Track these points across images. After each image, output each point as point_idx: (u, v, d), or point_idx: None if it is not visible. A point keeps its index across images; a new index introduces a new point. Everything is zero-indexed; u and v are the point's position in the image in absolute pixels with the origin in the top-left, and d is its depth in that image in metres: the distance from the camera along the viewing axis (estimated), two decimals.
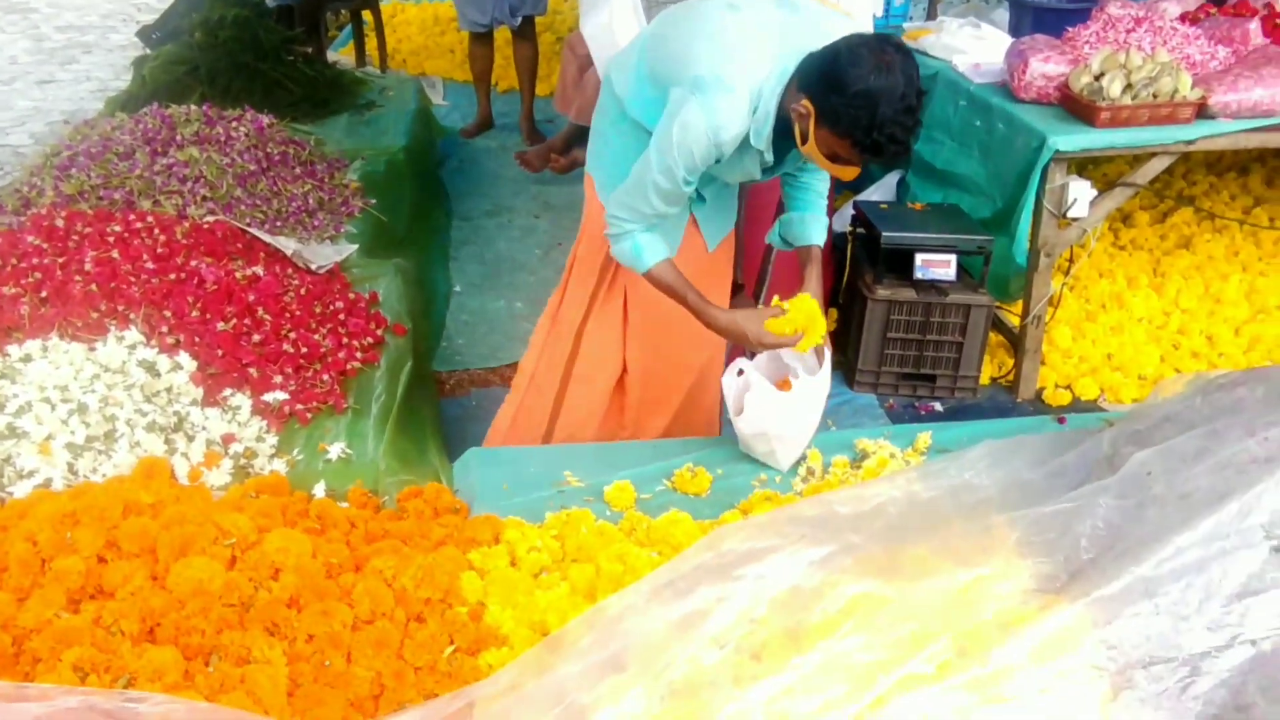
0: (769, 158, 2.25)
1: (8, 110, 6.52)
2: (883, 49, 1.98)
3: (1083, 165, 4.05)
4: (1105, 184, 3.58)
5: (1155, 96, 3.28)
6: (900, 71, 1.97)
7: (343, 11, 7.05)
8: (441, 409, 3.34)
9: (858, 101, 1.96)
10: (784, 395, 2.33)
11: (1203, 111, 3.34)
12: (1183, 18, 3.92)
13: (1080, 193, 3.32)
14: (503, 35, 5.94)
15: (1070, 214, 3.35)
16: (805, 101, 2.05)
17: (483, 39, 5.70)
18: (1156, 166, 3.40)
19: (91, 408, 2.35)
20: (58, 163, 3.54)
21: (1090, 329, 3.78)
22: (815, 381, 2.37)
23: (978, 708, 1.48)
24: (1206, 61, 3.54)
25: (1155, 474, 1.81)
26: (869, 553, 1.63)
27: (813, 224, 2.51)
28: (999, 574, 1.67)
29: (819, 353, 2.39)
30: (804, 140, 2.10)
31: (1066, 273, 3.79)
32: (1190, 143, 3.33)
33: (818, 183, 2.51)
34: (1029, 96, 3.50)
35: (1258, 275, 4.02)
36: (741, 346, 2.42)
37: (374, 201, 3.93)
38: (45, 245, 2.91)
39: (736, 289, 3.02)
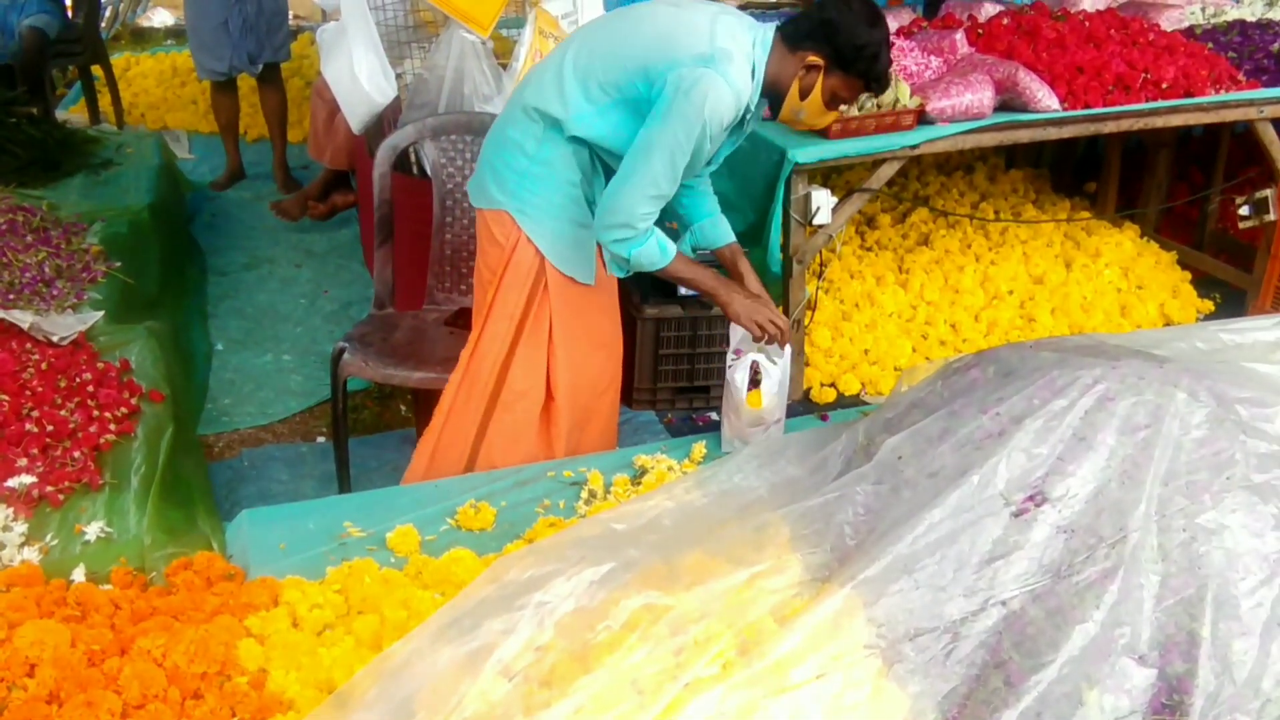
0: (753, 125, 2.55)
1: None
2: (864, 1, 2.38)
3: (826, 175, 4.29)
4: (847, 190, 3.80)
5: (879, 106, 3.52)
6: (879, 16, 2.38)
7: (69, 68, 6.67)
8: (212, 473, 3.19)
9: (869, 47, 2.35)
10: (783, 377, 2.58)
11: (923, 118, 3.60)
12: (899, 32, 4.22)
13: (822, 201, 3.51)
14: (248, 83, 5.76)
15: (816, 221, 3.54)
16: (812, 56, 2.37)
17: (225, 88, 5.51)
18: (887, 171, 3.64)
19: None
20: None
21: (847, 328, 4.00)
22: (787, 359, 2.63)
23: (763, 700, 1.54)
24: (922, 71, 3.82)
25: (905, 457, 1.94)
26: (648, 565, 1.67)
27: (722, 224, 2.78)
28: (773, 569, 1.74)
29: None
30: (804, 95, 2.43)
31: (819, 276, 4.00)
32: (914, 147, 3.58)
33: (707, 187, 2.77)
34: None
35: (989, 265, 4.35)
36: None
37: (118, 264, 3.72)
38: None
39: None
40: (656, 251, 2.46)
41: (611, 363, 2.77)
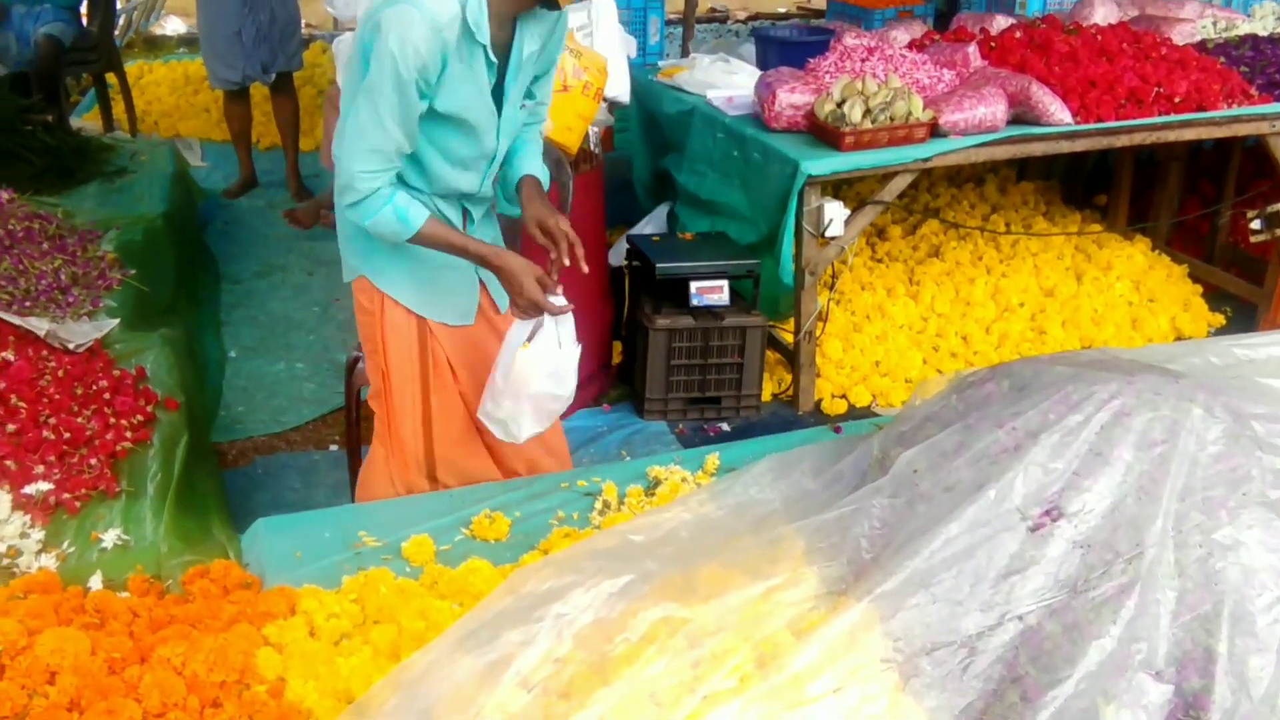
0: (492, 56, 2.19)
1: None
2: None
3: (837, 187, 4.30)
4: (859, 203, 3.82)
5: (892, 119, 3.53)
6: None
7: (84, 76, 6.71)
8: (226, 481, 3.21)
9: None
10: (570, 351, 2.32)
11: (935, 131, 3.61)
12: (911, 45, 4.23)
13: (835, 213, 3.53)
14: (260, 91, 5.79)
15: (828, 233, 3.55)
16: None
17: (238, 97, 5.54)
18: (900, 184, 3.65)
19: None
20: None
21: (858, 339, 4.01)
22: (577, 351, 2.36)
23: (780, 714, 1.54)
24: (934, 84, 3.83)
25: (921, 471, 1.94)
26: (666, 577, 1.68)
27: (522, 160, 2.44)
28: (789, 582, 1.75)
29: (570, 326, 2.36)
30: None
31: (831, 288, 4.01)
32: (927, 160, 3.59)
33: (528, 133, 2.49)
34: (780, 126, 3.69)
35: (1000, 277, 4.36)
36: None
37: (133, 272, 3.74)
38: None
39: None
40: (394, 218, 2.18)
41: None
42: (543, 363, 2.31)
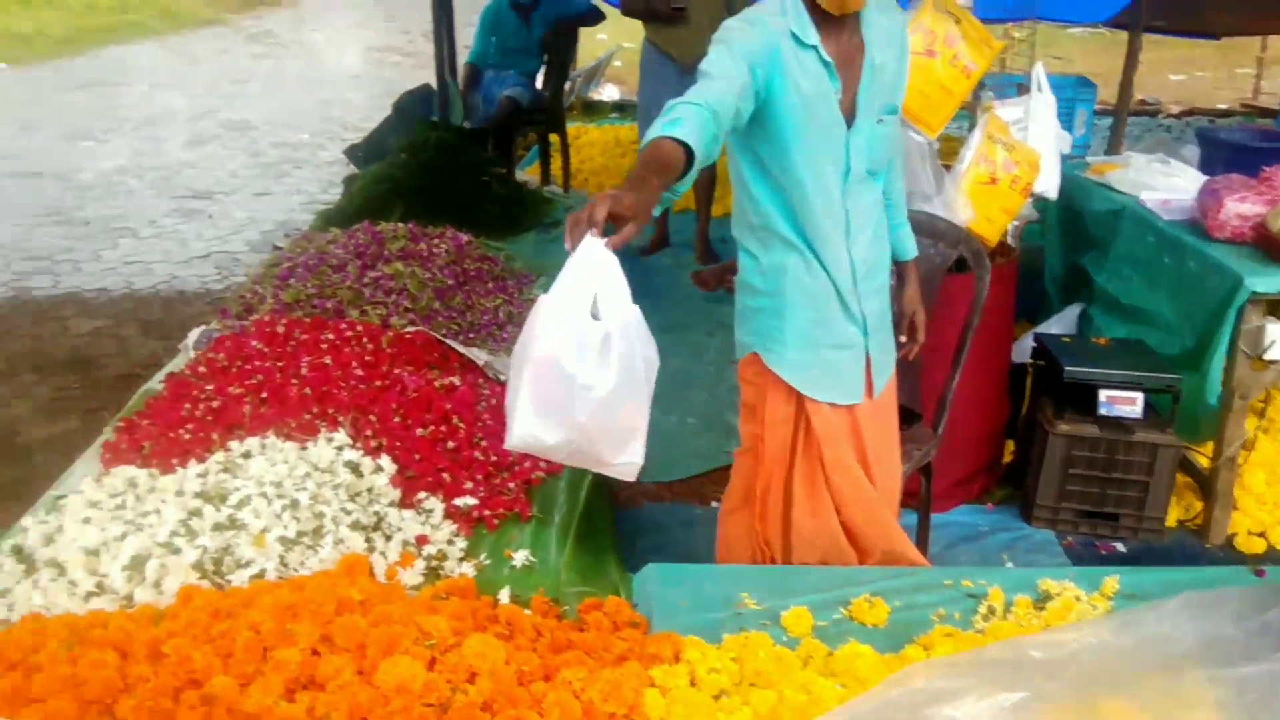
0: (826, 56, 2.25)
1: (227, 219, 7.11)
2: None
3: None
4: None
5: None
6: None
7: (530, 134, 7.47)
8: (618, 520, 3.41)
9: None
10: (620, 327, 1.81)
11: None
12: None
13: (1278, 335, 3.22)
14: None
15: (1267, 356, 3.25)
16: None
17: None
18: None
19: (302, 504, 2.51)
20: (278, 272, 3.85)
21: None
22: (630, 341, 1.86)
23: None
24: None
25: None
26: (1063, 702, 1.60)
27: (902, 240, 2.62)
28: None
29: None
30: None
31: (1261, 414, 3.64)
32: None
33: (894, 193, 2.58)
34: (1223, 236, 3.43)
35: None
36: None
37: None
38: (266, 350, 3.17)
39: (911, 417, 3.03)
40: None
41: (893, 479, 2.64)
42: (557, 316, 1.81)
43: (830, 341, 2.44)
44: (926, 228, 3.10)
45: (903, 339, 2.62)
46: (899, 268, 2.66)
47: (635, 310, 1.87)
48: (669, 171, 1.92)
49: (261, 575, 2.30)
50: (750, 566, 2.56)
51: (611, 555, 2.82)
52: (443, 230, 4.22)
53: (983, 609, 2.33)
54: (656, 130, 1.98)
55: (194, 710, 1.73)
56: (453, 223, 4.46)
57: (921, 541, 3.17)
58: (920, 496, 3.17)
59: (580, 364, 1.80)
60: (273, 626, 1.87)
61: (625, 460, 1.94)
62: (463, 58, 6.97)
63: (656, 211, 1.96)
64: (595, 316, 1.81)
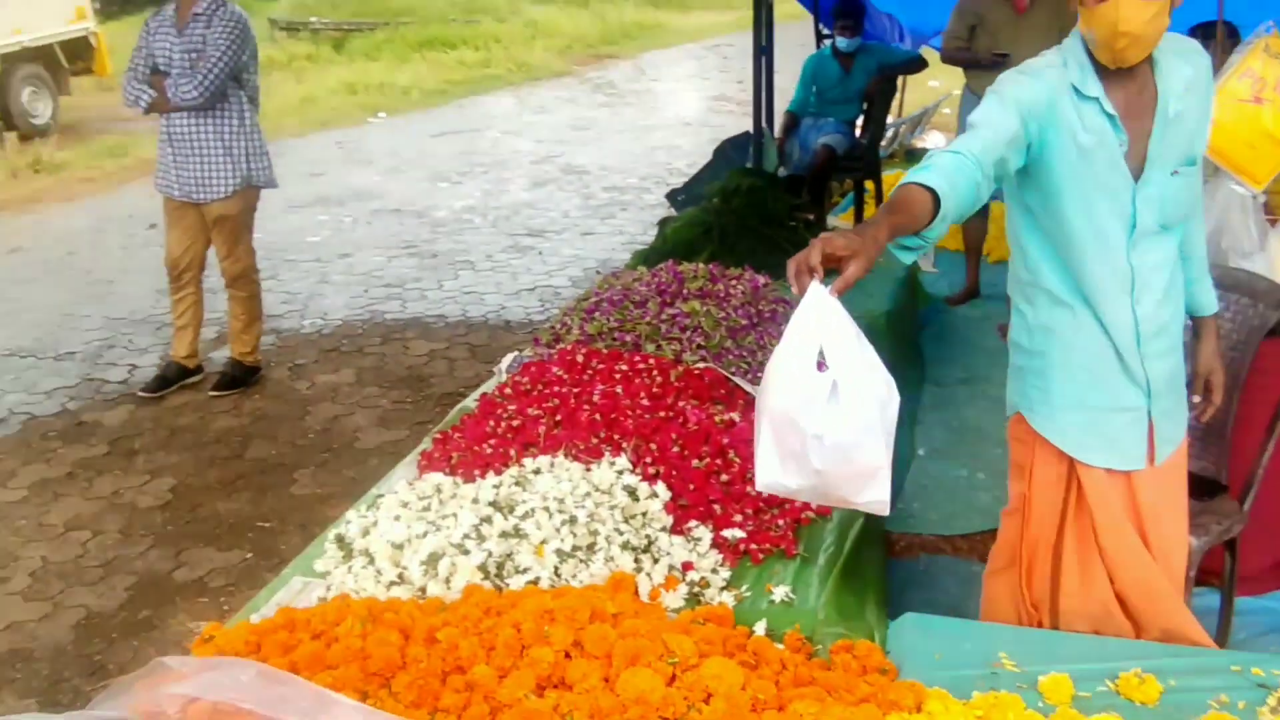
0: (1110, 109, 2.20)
1: (555, 256, 7.65)
2: None
3: None
4: None
5: None
6: None
7: (845, 181, 7.51)
8: (892, 569, 3.39)
9: None
10: (847, 381, 1.82)
11: None
12: None
13: None
14: (999, 207, 5.98)
15: None
16: None
17: (979, 211, 5.78)
18: None
19: (580, 521, 2.69)
20: (585, 306, 4.13)
21: None
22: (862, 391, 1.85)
23: None
24: None
25: None
26: None
27: (1199, 294, 2.48)
28: None
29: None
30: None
31: None
32: None
33: (1193, 246, 2.42)
34: None
35: None
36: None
37: None
38: (565, 376, 3.41)
39: (1214, 488, 2.81)
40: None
41: (1176, 553, 2.44)
42: (786, 369, 1.87)
43: (1106, 404, 2.33)
44: (1245, 286, 2.87)
45: (1196, 399, 2.45)
46: (1196, 323, 2.51)
47: (863, 354, 1.90)
48: (908, 215, 1.95)
49: (536, 582, 2.49)
50: (1012, 626, 2.48)
51: (873, 601, 2.81)
52: (741, 272, 4.35)
53: (1271, 700, 2.13)
54: (908, 175, 2.01)
55: (456, 693, 1.92)
56: (755, 265, 4.57)
57: (1222, 626, 2.92)
58: (1223, 576, 2.92)
59: (809, 415, 1.86)
60: (532, 627, 2.04)
61: (870, 499, 1.96)
62: (783, 106, 7.13)
63: (909, 258, 1.99)
64: (823, 365, 1.85)
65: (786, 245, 5.24)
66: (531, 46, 19.91)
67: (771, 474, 1.99)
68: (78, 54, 13.85)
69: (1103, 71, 2.20)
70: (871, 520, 3.27)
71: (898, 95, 8.00)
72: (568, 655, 2.01)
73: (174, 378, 5.59)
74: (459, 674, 1.97)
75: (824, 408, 1.85)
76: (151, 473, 4.65)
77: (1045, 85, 2.19)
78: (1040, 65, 2.25)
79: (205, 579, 3.86)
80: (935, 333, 5.52)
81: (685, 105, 14.58)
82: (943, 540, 3.67)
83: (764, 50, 6.40)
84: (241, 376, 5.60)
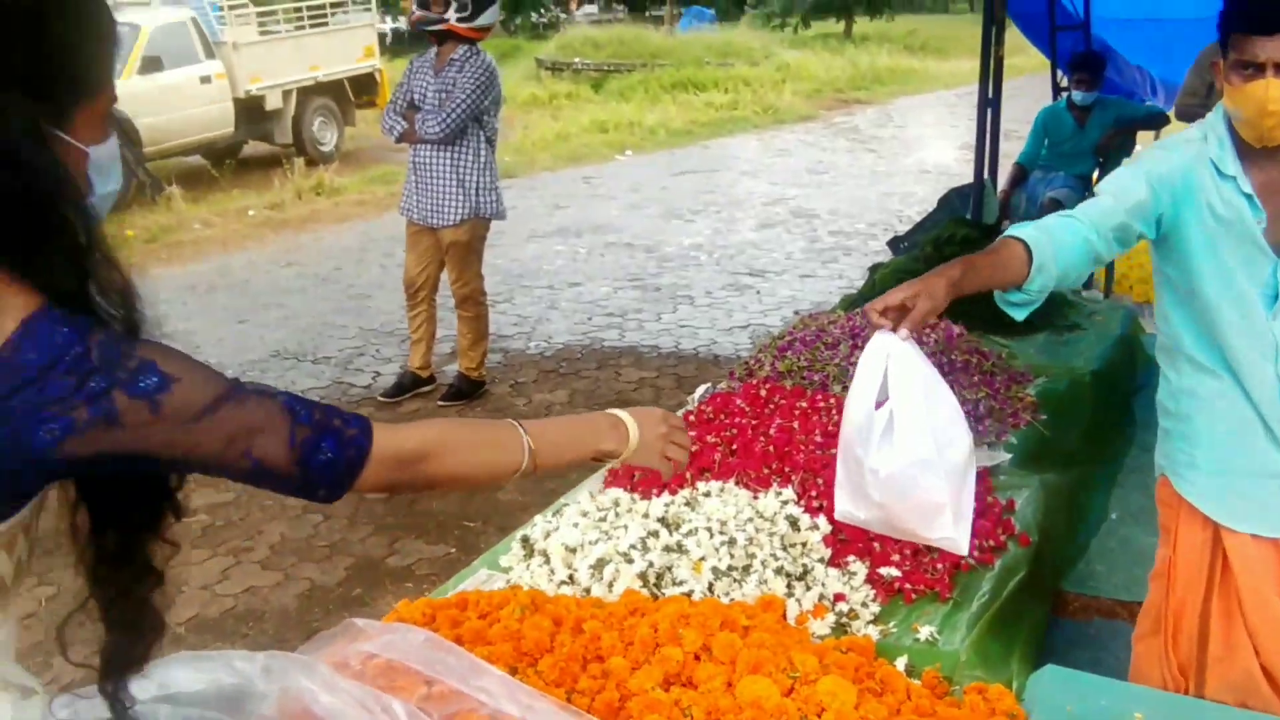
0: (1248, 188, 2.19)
1: (772, 297, 7.83)
2: None
3: None
4: None
5: None
6: None
7: None
8: (1060, 628, 3.36)
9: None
10: (910, 434, 2.00)
11: None
12: None
13: None
14: None
15: None
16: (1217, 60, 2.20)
17: None
18: None
19: (739, 543, 2.86)
20: (780, 344, 4.29)
21: None
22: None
23: None
24: None
25: None
26: None
27: None
28: None
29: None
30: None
31: None
32: None
33: None
34: None
35: None
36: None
37: (1044, 418, 4.08)
38: (747, 409, 3.59)
39: None
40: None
41: None
42: (850, 402, 2.06)
43: (1251, 469, 2.30)
44: None
45: None
46: None
47: (929, 395, 2.05)
48: (990, 263, 2.09)
49: (689, 595, 2.68)
50: (1151, 690, 2.46)
51: (1022, 652, 2.81)
52: (937, 321, 4.39)
53: None
54: (1010, 229, 2.10)
55: (593, 679, 2.13)
56: (957, 316, 4.59)
57: None
58: None
59: (865, 448, 2.04)
60: (667, 628, 2.23)
61: (940, 535, 2.08)
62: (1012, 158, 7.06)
63: (1017, 314, 2.08)
64: (881, 403, 2.03)
65: (993, 299, 5.21)
66: (781, 90, 20.23)
67: (844, 504, 2.22)
68: (364, 88, 15.25)
69: (1243, 149, 2.20)
70: (1040, 576, 3.26)
71: (1135, 150, 7.73)
72: (697, 657, 2.19)
73: (409, 386, 6.14)
74: (598, 662, 2.18)
75: (878, 442, 2.03)
76: None
77: (1181, 160, 2.21)
78: (1180, 140, 2.27)
79: (413, 567, 4.27)
80: (1150, 395, 5.30)
81: (928, 152, 14.46)
82: (1120, 605, 3.58)
83: (990, 102, 6.38)
84: (468, 390, 6.09)
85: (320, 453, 1.31)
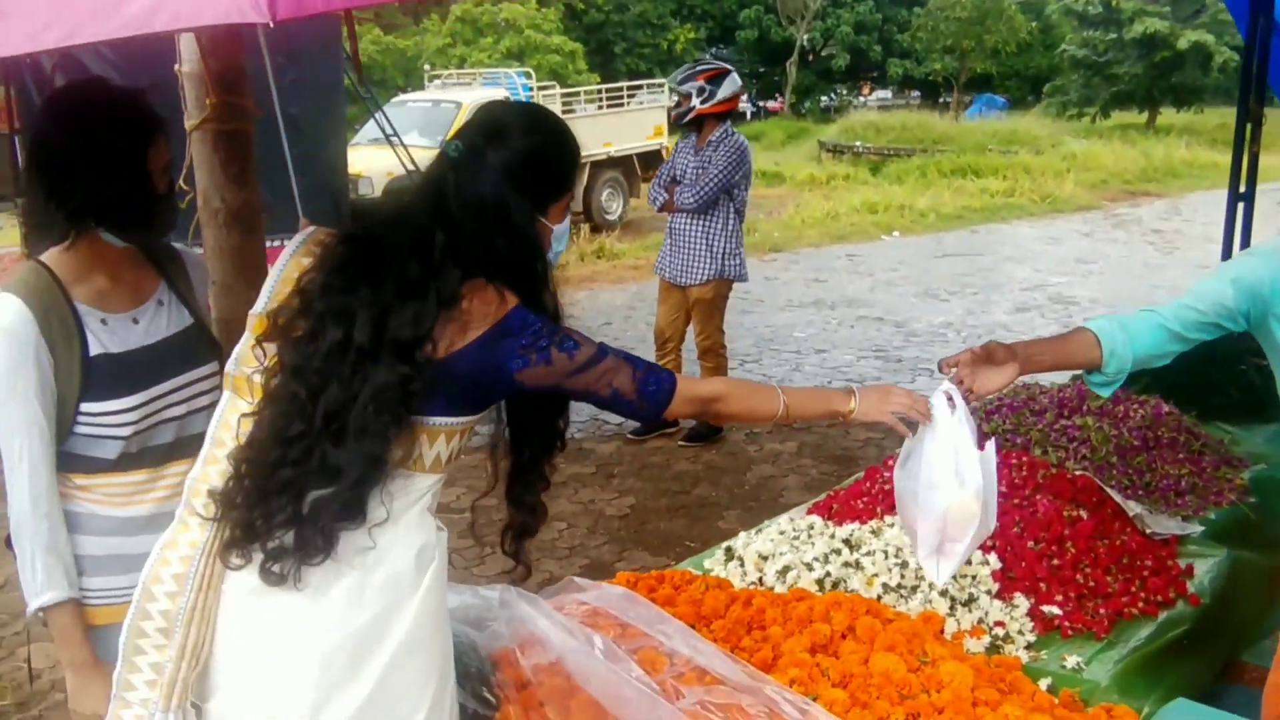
0: None
1: None
2: None
3: None
4: None
5: None
6: None
7: None
8: (1233, 693, 3.46)
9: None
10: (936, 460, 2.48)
11: None
12: None
13: None
14: None
15: None
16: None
17: None
18: None
19: (911, 566, 3.23)
20: (988, 408, 4.58)
21: None
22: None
23: None
24: None
25: None
26: None
27: None
28: None
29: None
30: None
31: None
32: None
33: None
34: None
35: None
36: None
37: (1252, 500, 4.15)
38: None
39: None
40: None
41: None
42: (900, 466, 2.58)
43: None
44: None
45: None
46: None
47: (941, 435, 2.52)
48: (1059, 353, 2.54)
49: None
50: None
51: (1164, 696, 2.99)
52: (1146, 398, 4.54)
53: None
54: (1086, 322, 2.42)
55: (754, 641, 2.59)
56: (1179, 399, 4.70)
57: None
58: None
59: (900, 461, 2.64)
60: (821, 610, 2.66)
61: (920, 556, 2.61)
62: None
63: (1102, 392, 2.44)
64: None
65: (1228, 386, 5.24)
66: (1063, 180, 19.83)
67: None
68: (651, 163, 16.41)
69: None
70: (1209, 637, 3.40)
71: None
72: (844, 635, 2.60)
73: (654, 428, 6.79)
74: (760, 630, 2.64)
75: (902, 462, 2.64)
76: (620, 492, 5.80)
77: (1270, 268, 2.36)
78: (1271, 247, 2.43)
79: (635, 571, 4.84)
80: None
81: (1213, 249, 13.89)
82: None
83: (1242, 196, 6.32)
84: (707, 434, 6.67)
85: (649, 385, 2.11)
